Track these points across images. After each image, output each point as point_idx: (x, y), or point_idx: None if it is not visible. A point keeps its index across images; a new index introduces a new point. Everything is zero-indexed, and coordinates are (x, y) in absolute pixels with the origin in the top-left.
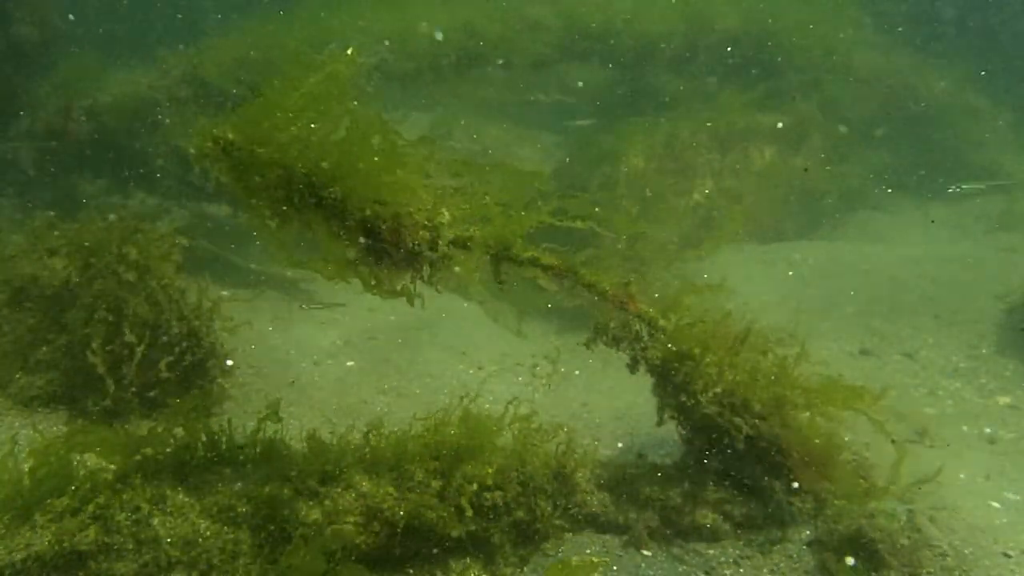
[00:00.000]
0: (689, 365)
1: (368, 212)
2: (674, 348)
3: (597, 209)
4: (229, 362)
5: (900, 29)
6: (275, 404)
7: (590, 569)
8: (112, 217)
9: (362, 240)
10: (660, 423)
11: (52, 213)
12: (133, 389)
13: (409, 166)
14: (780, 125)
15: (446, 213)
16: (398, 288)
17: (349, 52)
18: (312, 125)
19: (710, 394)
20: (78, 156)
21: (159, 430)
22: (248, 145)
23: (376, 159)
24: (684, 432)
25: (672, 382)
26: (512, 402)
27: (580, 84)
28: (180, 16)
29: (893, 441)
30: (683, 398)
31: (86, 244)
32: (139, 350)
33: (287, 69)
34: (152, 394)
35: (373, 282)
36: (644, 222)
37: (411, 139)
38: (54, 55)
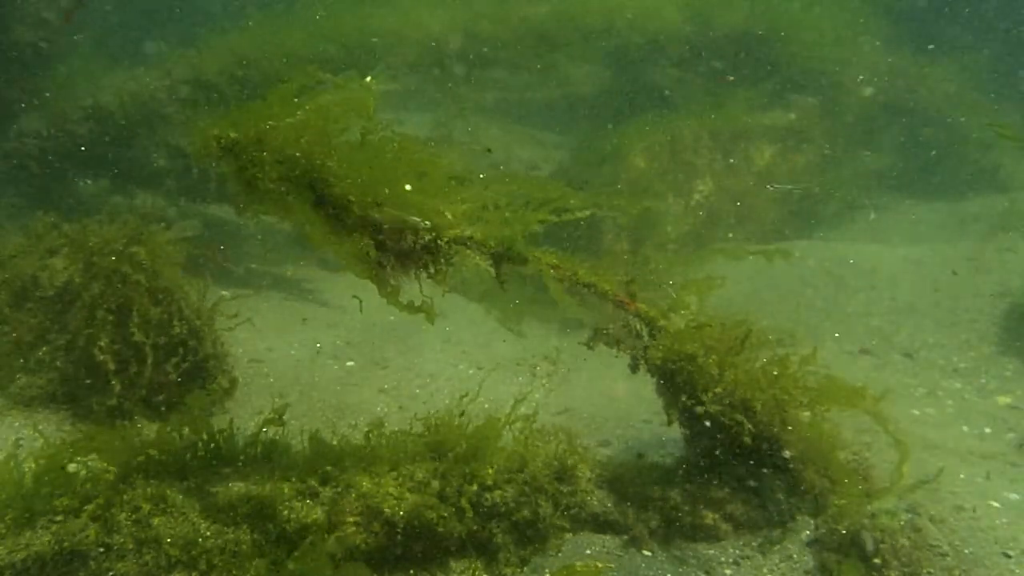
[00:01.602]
0: (691, 365)
1: (371, 213)
2: (676, 349)
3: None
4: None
5: (903, 29)
6: (281, 408)
7: (593, 574)
8: (118, 217)
9: (364, 238)
10: (670, 423)
11: (53, 213)
12: (143, 391)
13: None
14: (781, 125)
15: (447, 213)
16: (411, 298)
17: (368, 79)
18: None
19: (710, 394)
20: (79, 156)
21: (169, 431)
22: (253, 145)
23: (399, 175)
24: (686, 432)
25: (674, 382)
26: (518, 403)
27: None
28: (180, 12)
29: (897, 440)
30: (684, 398)
31: (91, 244)
32: (149, 351)
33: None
34: (160, 397)
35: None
36: (645, 221)
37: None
38: (55, 55)
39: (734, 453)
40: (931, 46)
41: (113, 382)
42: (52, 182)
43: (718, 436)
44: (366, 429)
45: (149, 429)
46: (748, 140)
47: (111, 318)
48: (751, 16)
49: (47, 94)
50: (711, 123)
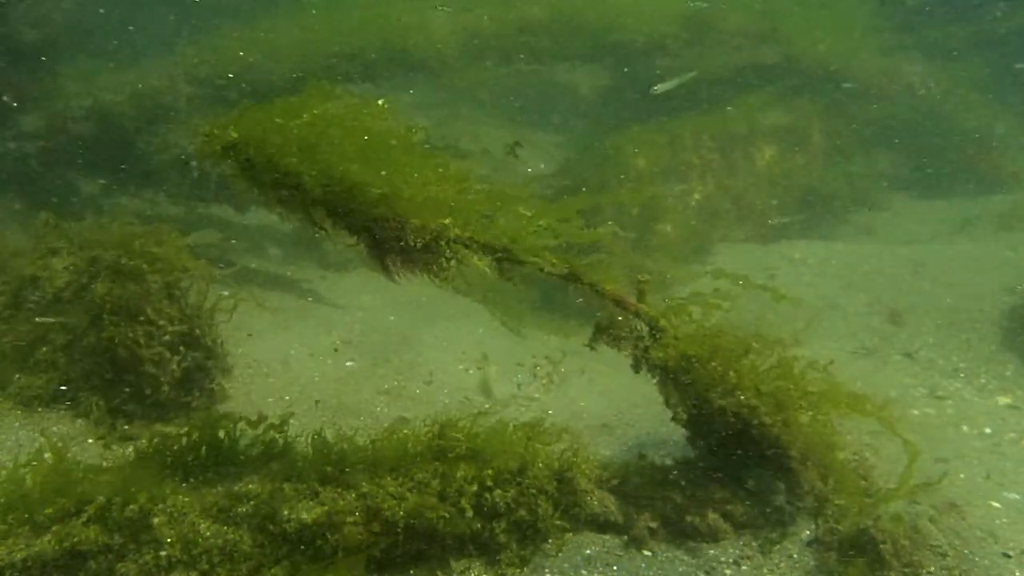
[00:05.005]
0: (695, 367)
1: (372, 213)
2: (680, 350)
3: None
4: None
5: (904, 29)
6: (287, 416)
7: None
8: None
9: (366, 237)
10: (678, 421)
11: (53, 213)
12: (159, 390)
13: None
14: (781, 125)
15: (447, 219)
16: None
17: (380, 102)
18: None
19: (716, 390)
20: (80, 156)
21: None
22: (257, 147)
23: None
24: (687, 432)
25: (677, 382)
26: (524, 407)
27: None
28: (178, 15)
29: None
30: (688, 399)
31: (105, 243)
32: (166, 351)
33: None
34: (162, 397)
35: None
36: (645, 222)
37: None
38: (55, 55)
39: (737, 451)
40: (933, 48)
41: (153, 371)
42: (52, 182)
43: (724, 432)
44: (373, 436)
45: (152, 429)
46: (748, 140)
47: (128, 318)
48: (752, 16)
49: (47, 94)
50: (711, 123)
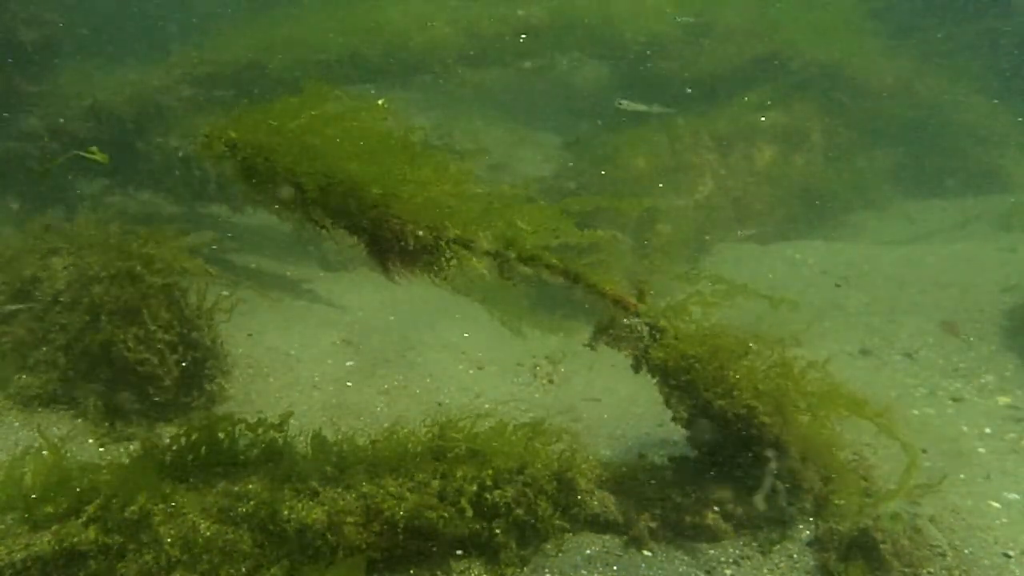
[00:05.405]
0: (695, 367)
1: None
2: (680, 350)
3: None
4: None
5: (903, 28)
6: (287, 416)
7: None
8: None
9: (365, 237)
10: (678, 421)
11: (53, 213)
12: (158, 390)
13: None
14: (781, 125)
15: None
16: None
17: (380, 102)
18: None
19: (710, 393)
20: (79, 156)
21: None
22: (256, 147)
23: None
24: (687, 431)
25: (677, 382)
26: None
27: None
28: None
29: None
30: (688, 399)
31: (107, 244)
32: (167, 351)
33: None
34: (159, 397)
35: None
36: (644, 223)
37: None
38: (55, 55)
39: (737, 450)
40: (932, 49)
41: (152, 371)
42: (52, 182)
43: (724, 432)
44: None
45: (152, 429)
46: (748, 140)
47: (126, 318)
48: (752, 16)
49: (47, 94)
50: (711, 123)
